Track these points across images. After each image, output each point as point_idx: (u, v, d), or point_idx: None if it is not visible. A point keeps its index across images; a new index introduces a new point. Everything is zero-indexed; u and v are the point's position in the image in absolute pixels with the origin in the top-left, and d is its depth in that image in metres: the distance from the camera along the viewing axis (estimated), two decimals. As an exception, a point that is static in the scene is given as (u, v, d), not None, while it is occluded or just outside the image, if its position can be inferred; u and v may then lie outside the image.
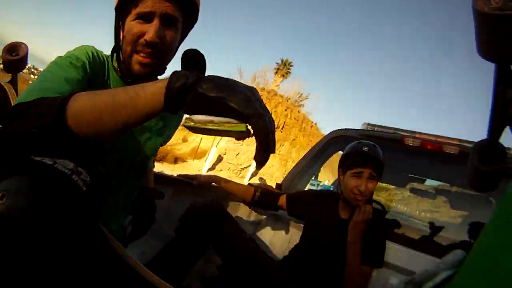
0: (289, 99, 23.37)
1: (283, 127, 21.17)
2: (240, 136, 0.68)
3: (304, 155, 2.65)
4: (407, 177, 3.24)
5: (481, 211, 2.62)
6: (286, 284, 1.52)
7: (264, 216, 2.39)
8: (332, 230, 1.71)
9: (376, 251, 1.62)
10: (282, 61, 26.29)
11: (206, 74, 0.69)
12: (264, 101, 0.73)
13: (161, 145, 1.27)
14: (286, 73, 25.98)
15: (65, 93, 0.74)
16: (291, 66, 26.25)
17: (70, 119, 0.69)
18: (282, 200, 1.98)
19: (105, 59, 1.06)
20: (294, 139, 21.46)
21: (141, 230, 1.41)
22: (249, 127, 0.66)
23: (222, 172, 16.71)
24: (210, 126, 0.67)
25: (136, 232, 1.37)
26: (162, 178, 1.70)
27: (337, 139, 2.57)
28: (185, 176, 1.91)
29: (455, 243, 2.15)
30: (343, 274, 1.56)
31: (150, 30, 0.91)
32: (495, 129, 0.60)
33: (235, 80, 0.67)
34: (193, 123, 0.68)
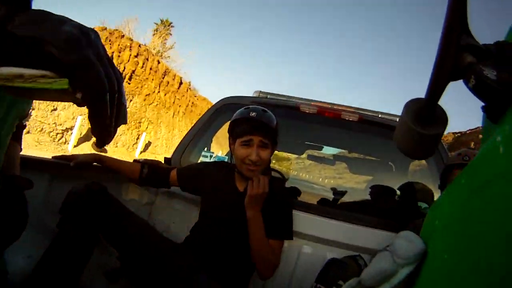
0: (146, 47, 19.17)
1: (131, 77, 17.55)
2: (63, 97, 0.51)
3: (193, 126, 2.47)
4: (304, 144, 3.21)
5: (381, 174, 2.58)
6: (188, 266, 1.44)
7: (158, 195, 2.27)
8: (230, 204, 1.63)
9: (283, 223, 1.58)
10: (161, 21, 23.54)
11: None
12: (104, 43, 0.37)
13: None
14: (167, 35, 23.32)
15: None
16: (171, 27, 23.64)
17: None
18: (173, 175, 1.84)
19: None
20: (148, 94, 18.41)
21: (12, 233, 1.11)
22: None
23: (31, 136, 11.86)
24: (18, 83, 0.48)
25: (5, 237, 1.09)
26: (34, 163, 1.50)
27: (228, 107, 2.40)
28: (62, 157, 1.72)
29: (357, 203, 2.26)
30: (249, 249, 1.50)
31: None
32: (438, 84, 0.53)
33: (64, 17, 0.50)
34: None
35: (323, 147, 3.21)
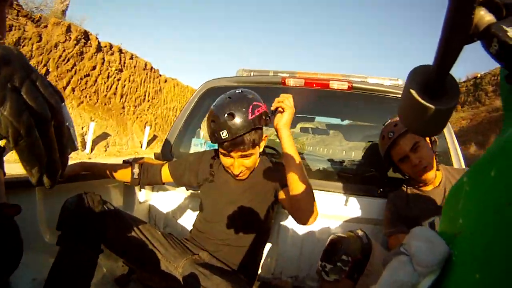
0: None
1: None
2: None
3: (178, 115, 2.40)
4: (294, 118, 3.06)
5: (375, 139, 2.52)
6: (194, 262, 1.44)
7: (154, 191, 2.25)
8: (230, 189, 1.62)
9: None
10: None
11: None
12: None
13: None
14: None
15: None
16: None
17: None
18: (165, 170, 1.79)
19: None
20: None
21: (9, 264, 0.98)
22: None
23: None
24: None
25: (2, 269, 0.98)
26: (17, 183, 1.40)
27: (211, 92, 2.34)
28: None
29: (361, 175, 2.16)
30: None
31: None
32: (450, 50, 0.43)
33: None
34: None
35: (314, 118, 3.17)
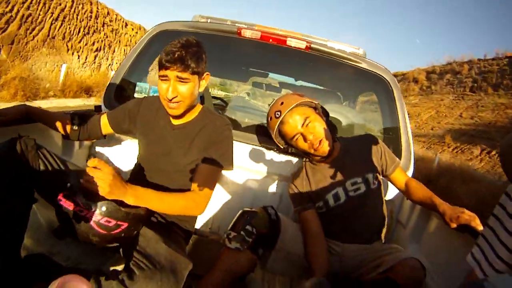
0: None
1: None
2: None
3: (124, 59, 2.20)
4: (248, 71, 3.04)
5: (328, 104, 2.50)
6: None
7: (94, 141, 2.09)
8: (166, 139, 1.54)
9: (221, 153, 1.49)
10: None
11: None
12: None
13: None
14: None
15: None
16: None
17: None
18: (104, 120, 1.66)
19: None
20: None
21: None
22: None
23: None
24: None
25: None
26: None
27: (164, 35, 2.16)
28: None
29: None
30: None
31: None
32: None
33: None
34: None
35: (268, 74, 3.10)
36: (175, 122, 1.55)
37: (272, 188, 2.01)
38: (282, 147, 1.73)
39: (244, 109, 2.62)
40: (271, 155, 1.94)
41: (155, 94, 1.84)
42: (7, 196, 1.22)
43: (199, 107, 1.56)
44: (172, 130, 1.53)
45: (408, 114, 1.95)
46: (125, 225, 1.22)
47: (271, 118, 1.64)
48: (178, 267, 1.23)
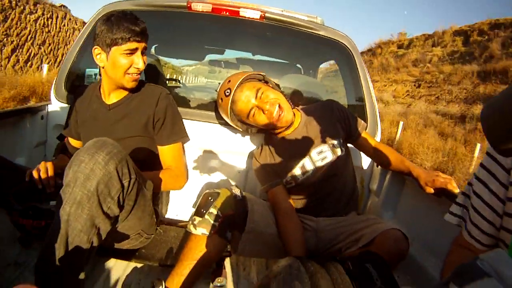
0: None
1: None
2: None
3: (70, 47, 2.09)
4: (203, 49, 2.97)
5: (289, 77, 2.52)
6: None
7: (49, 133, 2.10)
8: (103, 120, 1.53)
9: (172, 126, 1.53)
10: None
11: None
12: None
13: None
14: None
15: None
16: None
17: None
18: (72, 141, 1.69)
19: None
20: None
21: None
22: None
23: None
24: None
25: None
26: None
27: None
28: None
29: None
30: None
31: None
32: None
33: None
34: None
35: (224, 50, 2.98)
36: (109, 101, 1.54)
37: (237, 167, 1.96)
38: (241, 130, 1.68)
39: (200, 88, 2.54)
40: (232, 133, 1.89)
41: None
42: None
43: None
44: (108, 110, 1.53)
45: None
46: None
47: (222, 100, 1.59)
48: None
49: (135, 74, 1.44)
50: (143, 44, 1.41)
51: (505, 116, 0.49)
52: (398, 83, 17.83)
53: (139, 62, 1.41)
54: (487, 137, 0.54)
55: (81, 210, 1.07)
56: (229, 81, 1.57)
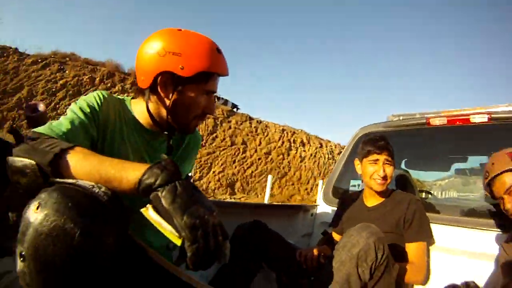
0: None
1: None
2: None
3: (339, 158, 2.67)
4: (448, 159, 3.06)
5: None
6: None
7: (315, 227, 2.52)
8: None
9: (418, 225, 1.78)
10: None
11: None
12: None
13: None
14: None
15: (68, 134, 0.94)
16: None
17: (61, 168, 0.82)
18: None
19: (121, 104, 1.21)
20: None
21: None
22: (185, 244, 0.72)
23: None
24: (154, 222, 0.75)
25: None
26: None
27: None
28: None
29: None
30: None
31: (213, 106, 1.19)
32: None
33: (197, 197, 0.76)
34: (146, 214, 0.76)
35: (467, 158, 3.00)
36: (369, 204, 1.94)
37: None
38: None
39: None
40: (477, 237, 1.86)
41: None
42: (241, 262, 1.62)
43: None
44: (368, 211, 1.91)
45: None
46: None
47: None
48: None
49: (378, 180, 1.79)
50: (383, 156, 1.80)
51: None
52: None
53: (380, 170, 1.78)
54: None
55: (342, 266, 1.39)
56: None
